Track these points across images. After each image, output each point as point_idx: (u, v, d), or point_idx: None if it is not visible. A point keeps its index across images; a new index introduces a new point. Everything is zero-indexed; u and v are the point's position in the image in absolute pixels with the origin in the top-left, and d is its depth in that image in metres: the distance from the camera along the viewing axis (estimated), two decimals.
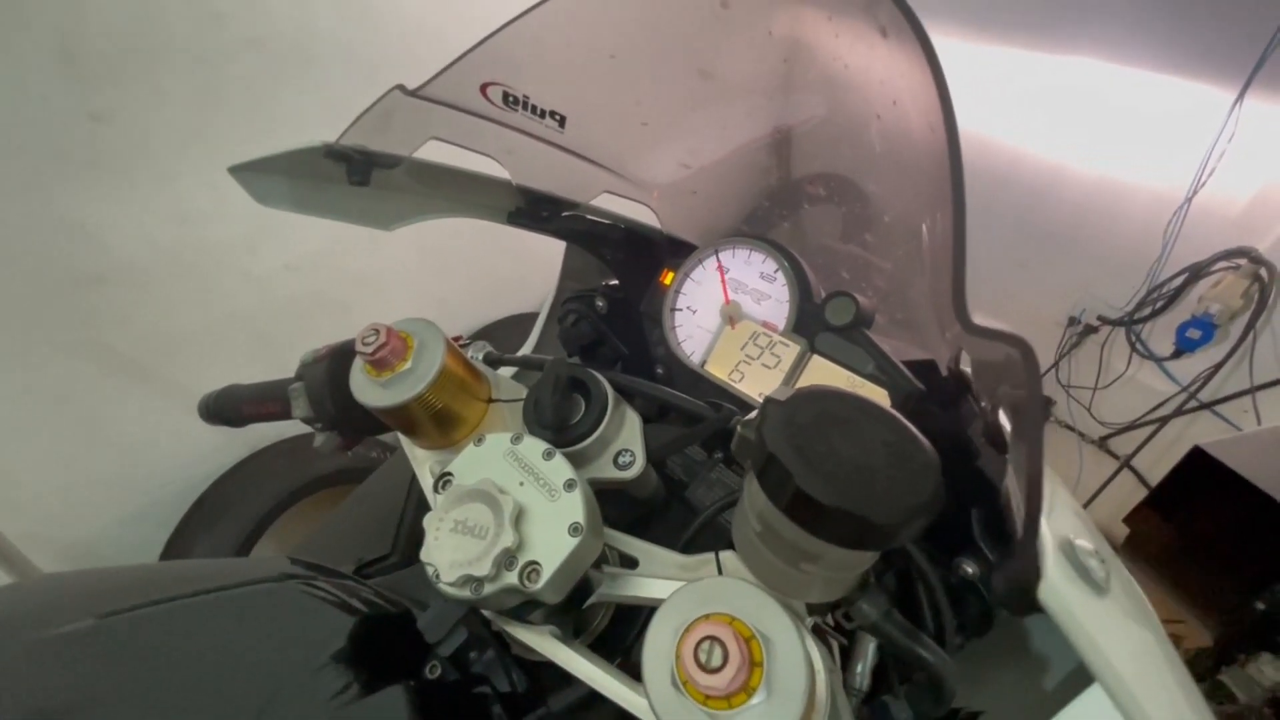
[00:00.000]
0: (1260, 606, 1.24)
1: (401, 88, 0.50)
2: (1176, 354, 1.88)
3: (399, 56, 1.53)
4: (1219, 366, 1.79)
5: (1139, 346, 2.00)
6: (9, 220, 1.13)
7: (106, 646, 0.33)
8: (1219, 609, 1.35)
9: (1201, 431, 1.86)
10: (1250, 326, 1.73)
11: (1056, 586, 0.28)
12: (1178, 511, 1.41)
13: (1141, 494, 1.74)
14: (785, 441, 0.30)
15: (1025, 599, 0.28)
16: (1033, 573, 0.27)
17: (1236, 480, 1.16)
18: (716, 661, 0.29)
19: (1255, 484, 1.13)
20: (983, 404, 0.43)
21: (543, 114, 0.54)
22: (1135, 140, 1.89)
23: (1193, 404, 1.86)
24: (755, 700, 0.29)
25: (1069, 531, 0.29)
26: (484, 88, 0.52)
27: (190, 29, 1.26)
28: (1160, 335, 1.94)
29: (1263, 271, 1.70)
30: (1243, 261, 1.74)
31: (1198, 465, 1.23)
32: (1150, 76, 1.79)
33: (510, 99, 0.53)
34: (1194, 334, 1.81)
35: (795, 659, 0.30)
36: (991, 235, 2.11)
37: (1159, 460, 1.93)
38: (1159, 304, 1.92)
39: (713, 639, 0.29)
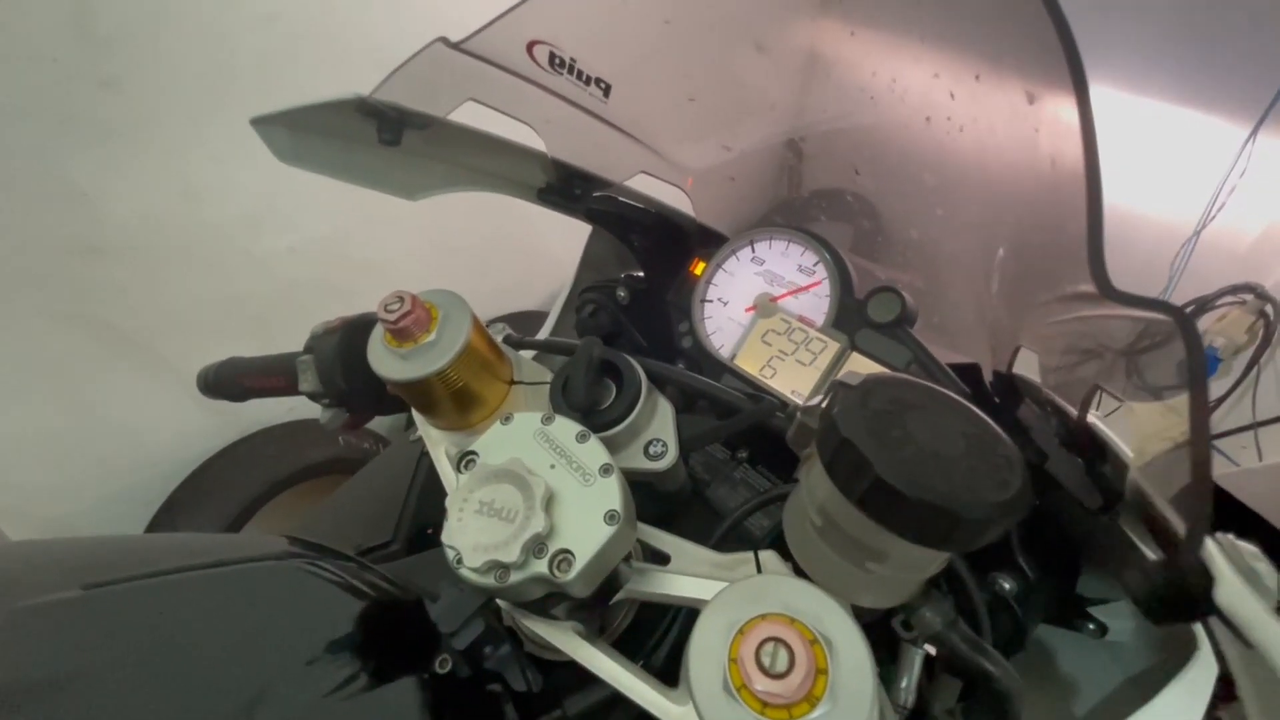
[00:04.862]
0: None
1: (444, 40, 0.47)
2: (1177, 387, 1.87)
3: (423, 36, 1.50)
4: (1220, 401, 1.78)
5: (1138, 379, 1.99)
6: (10, 183, 1.09)
7: (98, 616, 0.30)
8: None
9: None
10: (1254, 362, 1.72)
11: (1235, 588, 0.25)
12: None
13: None
14: (862, 426, 0.28)
15: (1193, 602, 0.25)
16: (1202, 573, 0.25)
17: (1246, 515, 1.14)
18: (782, 666, 0.26)
19: (1269, 520, 1.11)
20: (1057, 404, 0.41)
21: (588, 80, 0.52)
22: (1145, 172, 1.89)
23: None
24: (819, 711, 0.26)
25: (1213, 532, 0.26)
26: (531, 46, 0.49)
27: None
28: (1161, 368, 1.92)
29: (1268, 308, 1.70)
30: (1249, 297, 1.73)
31: None
32: (1164, 108, 1.80)
33: (557, 61, 0.50)
34: None
35: (862, 666, 0.27)
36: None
37: None
38: None
39: (777, 640, 0.27)
